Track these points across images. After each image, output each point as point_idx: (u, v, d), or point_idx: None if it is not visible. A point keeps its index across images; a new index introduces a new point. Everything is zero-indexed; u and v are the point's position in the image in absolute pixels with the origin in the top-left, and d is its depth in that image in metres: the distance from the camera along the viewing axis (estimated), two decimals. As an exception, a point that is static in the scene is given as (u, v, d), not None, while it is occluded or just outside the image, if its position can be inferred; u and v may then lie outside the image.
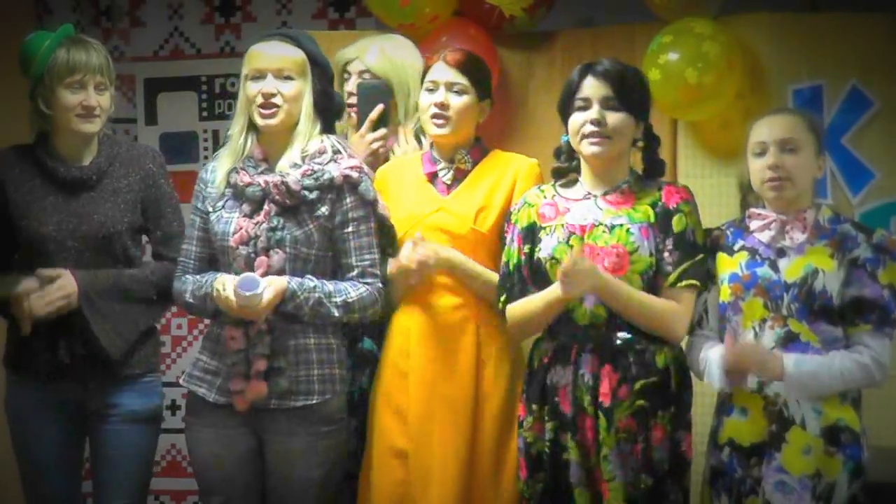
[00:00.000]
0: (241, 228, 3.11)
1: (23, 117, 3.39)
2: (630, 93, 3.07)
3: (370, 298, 3.16)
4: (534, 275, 3.12)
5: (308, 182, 3.11)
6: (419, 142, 3.58)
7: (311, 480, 3.14)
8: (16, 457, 3.40)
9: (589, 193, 3.13)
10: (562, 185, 3.18)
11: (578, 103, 3.07)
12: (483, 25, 3.92)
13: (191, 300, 3.17)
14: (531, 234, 3.14)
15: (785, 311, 2.95)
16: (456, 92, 3.28)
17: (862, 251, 2.97)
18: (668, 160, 3.32)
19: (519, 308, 3.12)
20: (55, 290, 3.22)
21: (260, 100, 3.11)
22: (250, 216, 3.12)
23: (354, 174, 3.15)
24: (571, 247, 3.05)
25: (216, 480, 3.17)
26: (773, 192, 2.99)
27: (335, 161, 3.15)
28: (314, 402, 3.12)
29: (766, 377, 2.93)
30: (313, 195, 3.12)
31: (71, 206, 3.31)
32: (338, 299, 3.11)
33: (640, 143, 3.15)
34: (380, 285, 3.18)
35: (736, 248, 3.05)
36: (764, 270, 2.99)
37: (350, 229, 3.15)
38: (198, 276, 3.18)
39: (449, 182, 3.33)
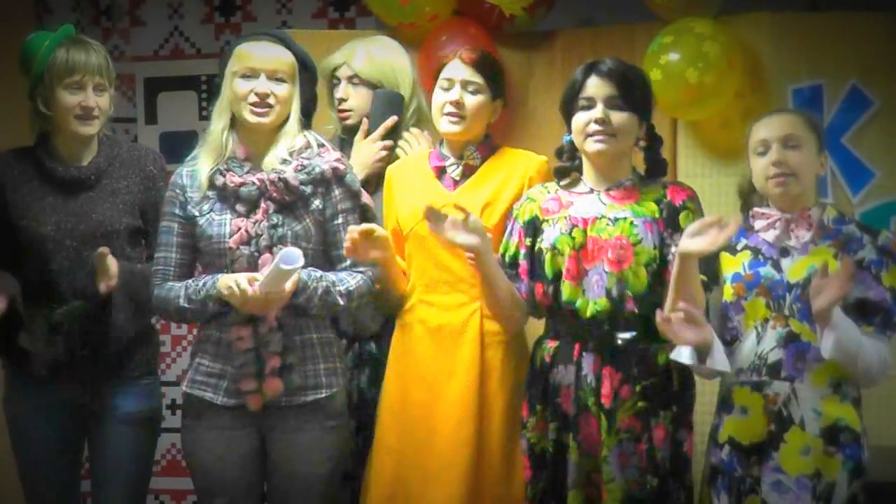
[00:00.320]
0: (239, 229, 3.10)
1: (23, 117, 3.40)
2: (634, 92, 3.08)
3: (365, 286, 3.18)
4: (532, 267, 3.12)
5: (303, 177, 3.13)
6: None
7: (317, 476, 3.15)
8: (15, 457, 3.40)
9: (592, 189, 3.13)
10: (564, 186, 3.18)
11: (582, 103, 3.08)
12: (483, 25, 3.93)
13: (186, 305, 3.11)
14: (532, 228, 3.14)
15: (787, 311, 2.95)
16: (471, 91, 3.29)
17: (866, 253, 2.97)
18: (669, 160, 3.32)
19: None
20: (111, 268, 3.22)
21: (253, 98, 3.10)
22: (247, 215, 3.12)
23: (341, 166, 3.18)
24: (574, 238, 3.05)
25: (220, 482, 3.16)
26: (778, 188, 2.99)
27: (320, 155, 3.16)
28: (323, 395, 3.13)
29: (819, 300, 2.79)
30: (308, 189, 3.13)
31: (69, 205, 3.32)
32: (341, 288, 3.13)
33: (643, 143, 3.15)
34: (370, 273, 3.20)
35: (739, 247, 3.05)
36: (767, 270, 2.99)
37: (340, 221, 3.17)
38: (189, 281, 3.14)
39: (457, 178, 3.34)
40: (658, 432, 3.01)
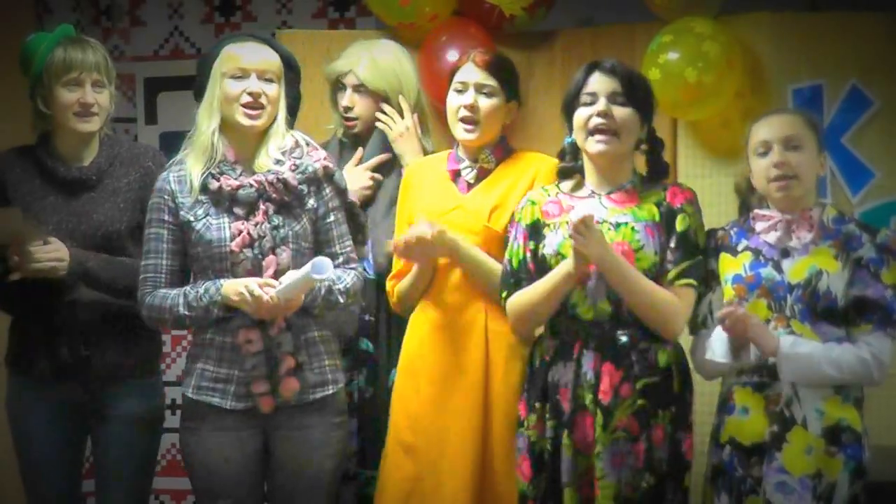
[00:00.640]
0: (241, 232, 3.09)
1: (23, 117, 3.40)
2: (636, 89, 3.08)
3: (359, 283, 3.21)
4: (539, 271, 3.12)
5: (299, 176, 3.13)
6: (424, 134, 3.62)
7: (324, 472, 3.15)
8: (17, 456, 3.40)
9: (593, 192, 3.13)
10: (566, 187, 3.18)
11: (585, 98, 3.07)
12: (483, 25, 3.92)
13: (186, 312, 3.08)
14: (535, 232, 3.14)
15: (788, 311, 2.95)
16: (485, 94, 3.29)
17: (866, 251, 2.97)
18: (669, 160, 3.32)
19: (521, 297, 3.11)
20: (49, 249, 3.20)
21: (246, 98, 3.10)
22: (245, 218, 3.11)
23: (330, 164, 3.20)
24: None
25: (224, 483, 3.15)
26: (779, 191, 2.99)
27: (309, 154, 3.18)
28: (329, 392, 3.14)
29: (760, 348, 2.90)
30: (304, 188, 3.14)
31: (71, 205, 3.32)
32: (340, 286, 3.14)
33: (644, 146, 3.15)
34: (360, 269, 3.24)
35: (740, 248, 3.05)
36: (768, 271, 2.99)
37: (331, 219, 3.19)
38: (188, 289, 3.11)
39: (472, 181, 3.35)
40: (657, 432, 3.01)
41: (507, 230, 3.25)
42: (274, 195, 3.11)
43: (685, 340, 3.14)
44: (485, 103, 3.28)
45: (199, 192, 3.12)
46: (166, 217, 3.15)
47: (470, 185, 3.34)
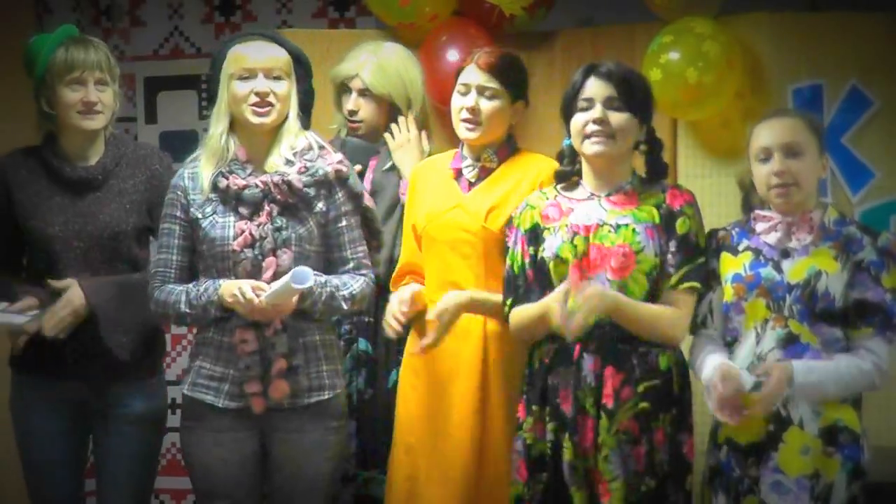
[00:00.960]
0: (243, 232, 3.09)
1: (23, 117, 3.41)
2: (633, 94, 3.07)
3: (368, 289, 3.19)
4: (538, 275, 3.11)
5: (306, 179, 3.12)
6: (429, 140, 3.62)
7: (320, 476, 3.15)
8: (20, 455, 3.41)
9: (592, 194, 3.13)
10: (564, 189, 3.18)
11: (581, 104, 3.07)
12: (483, 25, 3.93)
13: (187, 310, 3.10)
14: (534, 236, 3.14)
15: (787, 311, 2.95)
16: (487, 96, 3.28)
17: (866, 254, 2.96)
18: (669, 160, 3.32)
19: (519, 315, 3.12)
20: (62, 307, 3.24)
21: (254, 98, 3.10)
22: (250, 218, 3.11)
23: (343, 168, 3.17)
24: (576, 246, 3.04)
25: (221, 484, 3.15)
26: (780, 199, 2.99)
27: (322, 157, 3.16)
28: (326, 396, 3.13)
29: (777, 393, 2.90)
30: (312, 192, 3.12)
31: (77, 206, 3.33)
32: (345, 292, 3.13)
33: (643, 147, 3.15)
34: (372, 276, 3.21)
35: (740, 248, 3.05)
36: (767, 271, 2.99)
37: (343, 223, 3.17)
38: (191, 286, 3.13)
39: (473, 180, 3.34)
40: (658, 434, 3.01)
41: (504, 231, 3.25)
42: (279, 196, 3.11)
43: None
44: (486, 106, 3.28)
45: (209, 191, 3.13)
46: (178, 213, 3.17)
47: (471, 184, 3.34)
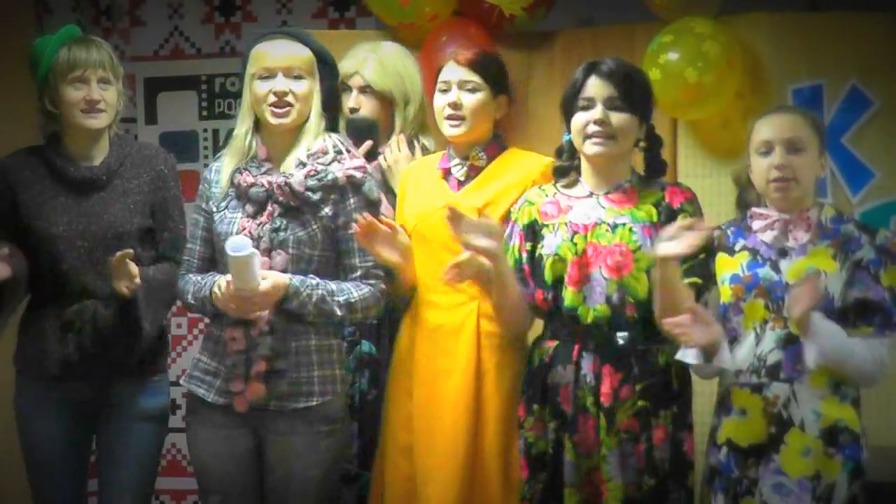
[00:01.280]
0: (244, 229, 3.11)
1: (23, 117, 3.41)
2: (634, 93, 3.07)
3: (373, 299, 3.16)
4: (534, 272, 3.11)
5: (311, 182, 3.11)
6: (412, 149, 3.59)
7: (310, 480, 3.14)
8: (23, 454, 3.41)
9: (591, 193, 3.13)
10: (563, 186, 3.18)
11: (582, 103, 3.07)
12: (483, 25, 3.92)
13: (192, 301, 3.19)
14: (532, 232, 3.14)
15: (786, 312, 2.94)
16: (469, 90, 3.28)
17: (865, 252, 2.96)
18: (669, 160, 3.32)
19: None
20: (134, 273, 3.21)
21: (272, 98, 3.10)
22: (254, 217, 3.12)
23: (358, 174, 3.15)
24: (575, 245, 3.04)
25: (215, 479, 3.18)
26: (778, 192, 2.99)
27: (338, 161, 3.15)
28: (314, 403, 3.12)
29: (794, 309, 2.83)
30: (317, 196, 3.12)
31: (81, 206, 3.33)
32: (340, 298, 3.11)
33: (643, 144, 3.15)
34: (382, 286, 3.18)
35: (737, 248, 3.05)
36: (765, 272, 2.98)
37: (353, 230, 3.14)
38: (198, 277, 3.18)
39: (462, 178, 3.34)
40: (658, 433, 3.01)
41: (500, 229, 3.24)
42: (281, 198, 3.11)
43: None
44: (468, 99, 3.28)
45: (227, 187, 3.17)
46: (203, 204, 3.23)
47: (461, 183, 3.34)
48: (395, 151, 3.59)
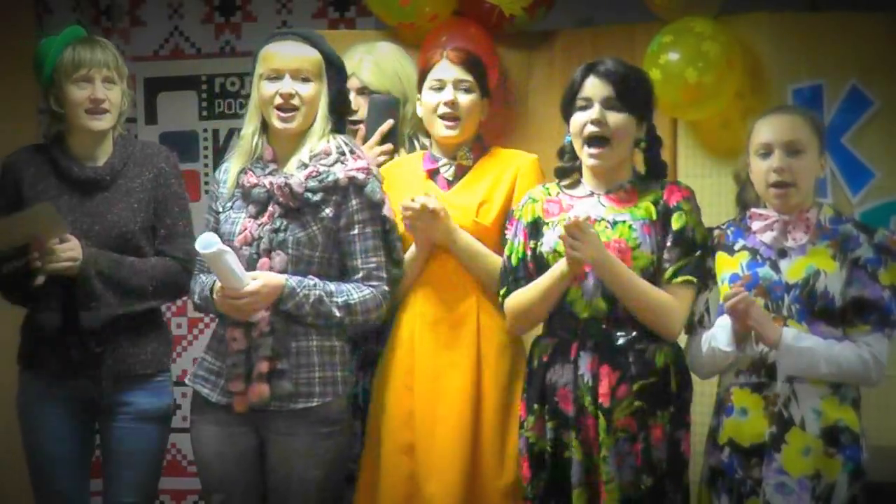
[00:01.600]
0: (245, 229, 3.12)
1: (23, 117, 3.42)
2: (632, 93, 3.07)
3: (374, 302, 3.15)
4: (537, 269, 3.12)
5: (312, 184, 3.11)
6: (411, 148, 3.59)
7: (311, 480, 3.14)
8: (26, 454, 3.41)
9: (592, 192, 3.13)
10: (565, 186, 3.18)
11: (580, 103, 3.07)
12: (483, 25, 3.92)
13: (199, 301, 3.22)
14: (535, 230, 3.14)
15: (785, 311, 2.95)
16: (464, 90, 3.28)
17: (863, 251, 2.96)
18: (668, 160, 3.32)
19: (519, 296, 3.12)
20: (66, 248, 3.22)
21: (278, 101, 3.10)
22: (255, 217, 3.12)
23: (360, 175, 3.14)
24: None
25: (217, 478, 3.18)
26: (777, 198, 2.99)
27: (341, 162, 3.14)
28: (314, 404, 3.12)
29: (762, 337, 2.90)
30: (317, 197, 3.12)
31: (85, 205, 3.34)
32: (339, 299, 3.11)
33: (643, 144, 3.15)
34: (385, 288, 3.17)
35: (737, 247, 3.05)
36: (765, 271, 2.98)
37: (355, 231, 3.15)
38: (203, 278, 3.19)
39: (450, 178, 3.34)
40: (655, 432, 3.01)
41: (496, 225, 3.25)
42: (281, 199, 3.11)
43: (683, 339, 3.13)
44: (464, 99, 3.28)
45: (233, 187, 3.18)
46: (213, 205, 3.25)
47: (449, 183, 3.34)
48: (400, 152, 3.58)
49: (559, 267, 3.02)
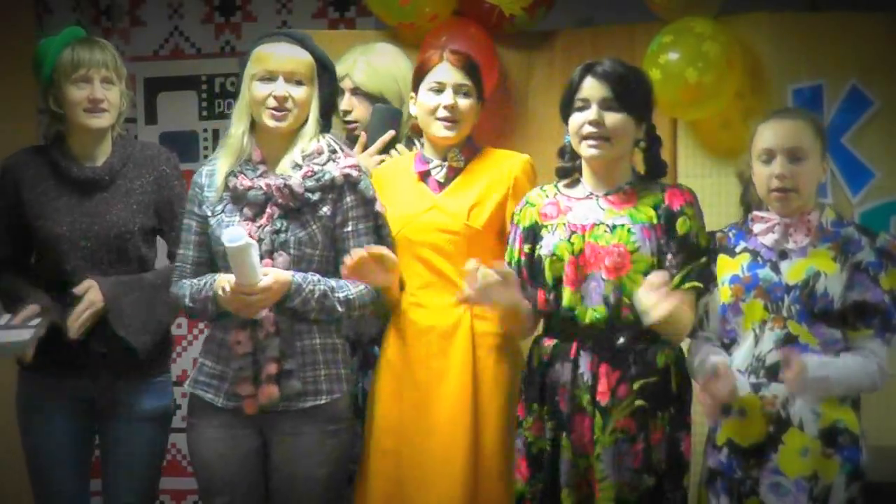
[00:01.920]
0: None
1: (23, 117, 3.42)
2: (630, 94, 3.06)
3: (369, 296, 3.17)
4: (532, 274, 3.12)
5: (310, 183, 3.11)
6: (410, 148, 3.59)
7: (316, 479, 3.14)
8: (25, 454, 3.41)
9: (591, 193, 3.13)
10: (565, 186, 3.18)
11: (578, 104, 3.07)
12: (483, 25, 3.92)
13: (191, 304, 3.15)
14: (532, 234, 3.14)
15: (785, 312, 2.95)
16: (463, 94, 3.28)
17: (865, 255, 2.96)
18: (668, 160, 3.32)
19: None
20: (84, 309, 3.26)
21: (272, 103, 3.09)
22: (253, 220, 3.12)
23: (354, 173, 3.15)
24: (572, 244, 3.04)
25: (220, 481, 3.16)
26: (779, 202, 2.98)
27: (333, 160, 3.15)
28: (322, 402, 3.12)
29: (786, 382, 2.89)
30: (316, 196, 3.12)
31: (84, 206, 3.34)
32: (340, 294, 3.12)
33: (643, 144, 3.15)
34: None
35: (738, 249, 3.05)
36: (765, 272, 2.98)
37: (350, 228, 3.15)
38: (195, 280, 3.16)
39: (442, 180, 3.33)
40: (655, 433, 3.01)
41: (487, 228, 3.25)
42: (280, 200, 3.11)
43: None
44: (464, 103, 3.28)
45: (223, 190, 3.15)
46: (196, 209, 3.19)
47: (441, 185, 3.33)
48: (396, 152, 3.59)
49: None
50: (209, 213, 3.16)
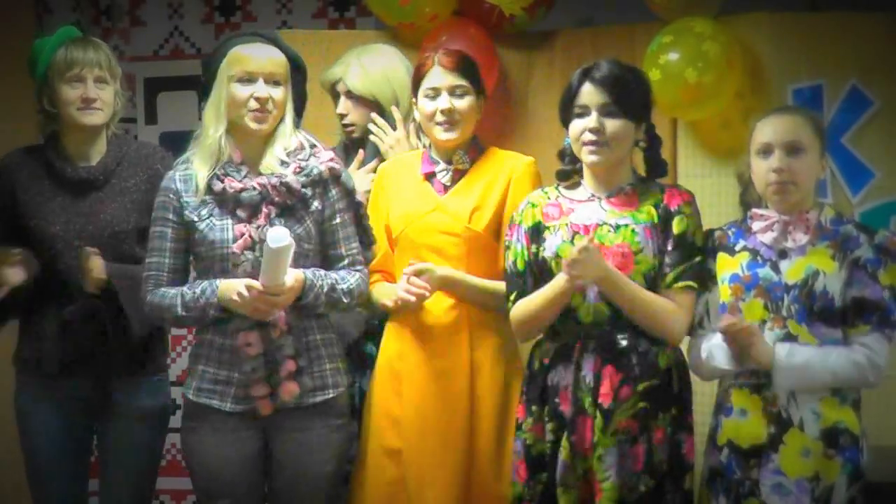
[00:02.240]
0: (243, 234, 3.08)
1: (23, 117, 3.42)
2: (629, 98, 3.06)
3: (364, 286, 3.20)
4: (540, 274, 3.11)
5: (302, 179, 3.12)
6: (419, 138, 3.60)
7: (323, 475, 3.15)
8: (23, 454, 3.41)
9: (593, 195, 3.13)
10: (566, 187, 3.18)
11: (577, 110, 3.07)
12: (483, 25, 3.92)
13: (184, 313, 3.09)
14: (536, 234, 3.14)
15: (785, 312, 2.95)
16: (459, 95, 3.28)
17: (863, 252, 2.96)
18: (668, 160, 3.32)
19: (523, 306, 3.11)
20: (90, 264, 3.25)
21: (254, 105, 3.08)
22: (248, 221, 3.10)
23: (336, 166, 3.18)
24: (575, 245, 3.04)
25: (223, 484, 3.14)
26: (777, 196, 2.99)
27: (314, 156, 3.16)
28: (330, 395, 3.13)
29: (755, 360, 2.91)
30: (308, 191, 3.13)
31: (78, 205, 3.34)
32: (343, 286, 3.13)
33: (642, 144, 3.15)
34: (366, 271, 3.22)
35: (737, 248, 3.05)
36: (765, 272, 2.98)
37: (337, 220, 3.17)
38: (185, 289, 3.10)
39: (448, 183, 3.34)
40: (657, 434, 3.00)
41: (488, 231, 3.26)
42: (277, 198, 3.10)
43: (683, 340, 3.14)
44: (460, 104, 3.28)
45: (204, 193, 3.11)
46: (170, 216, 3.14)
47: (446, 187, 3.34)
48: (390, 133, 3.60)
49: (559, 281, 3.01)
50: (195, 218, 3.11)
